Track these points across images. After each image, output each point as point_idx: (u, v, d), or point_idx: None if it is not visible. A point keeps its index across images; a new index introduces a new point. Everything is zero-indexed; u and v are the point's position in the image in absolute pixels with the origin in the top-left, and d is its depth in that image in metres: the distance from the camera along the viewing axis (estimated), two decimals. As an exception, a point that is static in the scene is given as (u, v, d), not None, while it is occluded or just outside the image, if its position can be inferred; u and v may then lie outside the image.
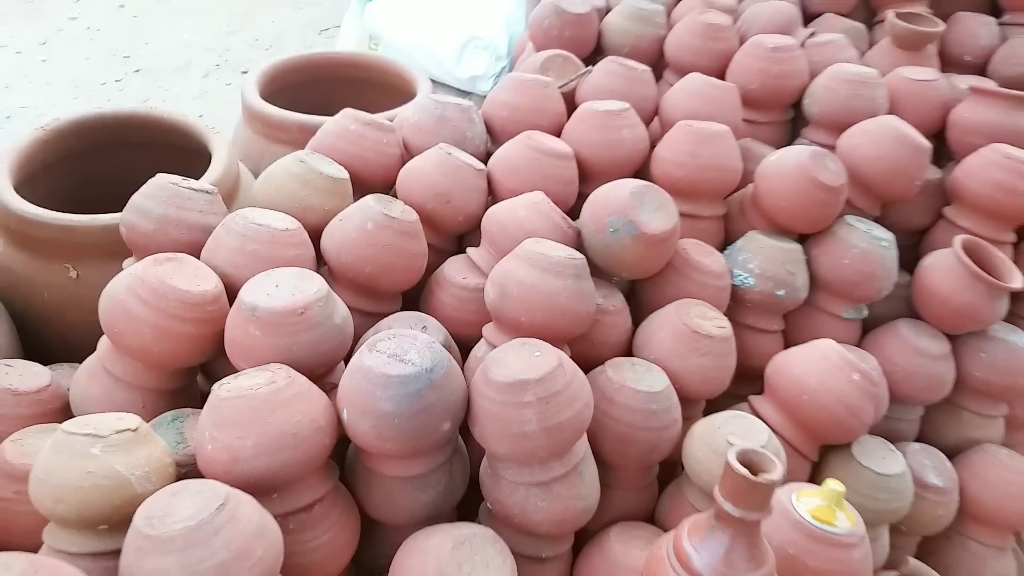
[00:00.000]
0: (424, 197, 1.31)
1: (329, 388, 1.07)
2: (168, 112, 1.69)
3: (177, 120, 1.66)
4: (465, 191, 1.32)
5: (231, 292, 1.11)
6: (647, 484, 1.20)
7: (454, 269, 1.28)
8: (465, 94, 2.31)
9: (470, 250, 1.30)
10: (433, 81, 2.30)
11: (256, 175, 1.66)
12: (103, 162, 1.69)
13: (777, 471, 0.81)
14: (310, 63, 1.97)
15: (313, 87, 1.97)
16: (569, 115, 1.50)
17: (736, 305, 1.35)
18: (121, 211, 1.25)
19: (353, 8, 2.80)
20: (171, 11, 4.10)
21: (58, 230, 1.40)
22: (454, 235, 1.39)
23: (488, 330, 1.17)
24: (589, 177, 1.41)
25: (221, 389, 0.95)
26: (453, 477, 1.07)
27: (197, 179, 1.33)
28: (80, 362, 1.22)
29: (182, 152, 1.66)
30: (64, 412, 1.16)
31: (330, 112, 1.56)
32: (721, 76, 1.64)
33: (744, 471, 0.80)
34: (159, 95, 3.38)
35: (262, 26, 3.97)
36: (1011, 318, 1.44)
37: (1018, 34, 1.80)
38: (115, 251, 1.35)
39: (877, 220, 1.47)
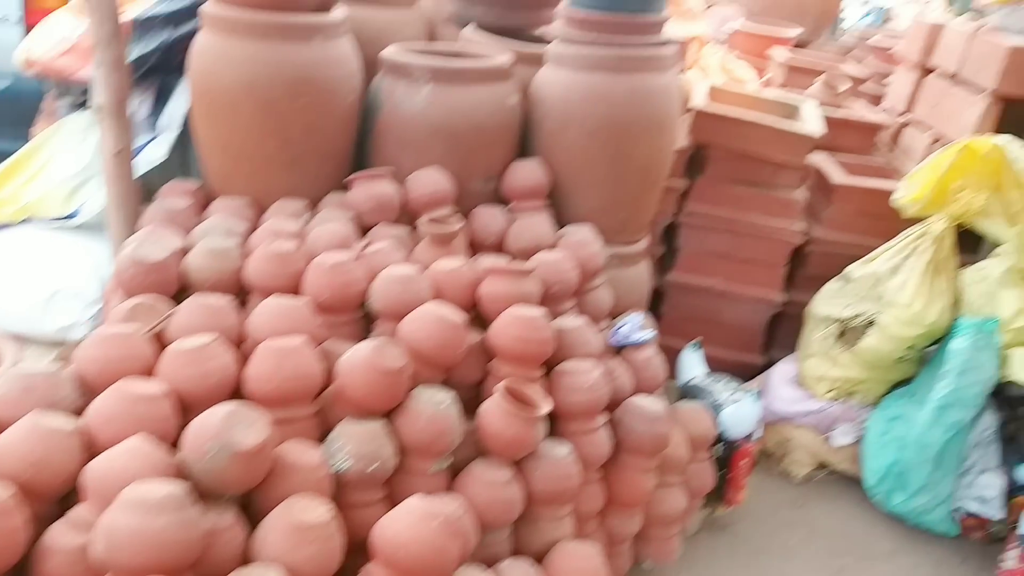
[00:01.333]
0: (19, 468, 1.34)
1: None
2: None
3: None
4: (60, 454, 1.38)
5: None
6: None
7: (58, 534, 1.32)
8: (59, 345, 2.31)
9: (73, 512, 1.35)
10: (22, 338, 2.26)
11: None
12: None
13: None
14: None
15: None
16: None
17: (340, 487, 1.56)
18: None
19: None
20: None
21: None
22: (56, 499, 1.42)
23: (103, 584, 1.23)
24: (187, 409, 1.55)
25: None
26: None
27: None
28: None
29: None
30: None
31: None
32: (297, 293, 1.91)
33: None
34: None
35: None
36: (559, 433, 1.87)
37: (519, 218, 2.37)
38: None
39: (445, 383, 1.81)
